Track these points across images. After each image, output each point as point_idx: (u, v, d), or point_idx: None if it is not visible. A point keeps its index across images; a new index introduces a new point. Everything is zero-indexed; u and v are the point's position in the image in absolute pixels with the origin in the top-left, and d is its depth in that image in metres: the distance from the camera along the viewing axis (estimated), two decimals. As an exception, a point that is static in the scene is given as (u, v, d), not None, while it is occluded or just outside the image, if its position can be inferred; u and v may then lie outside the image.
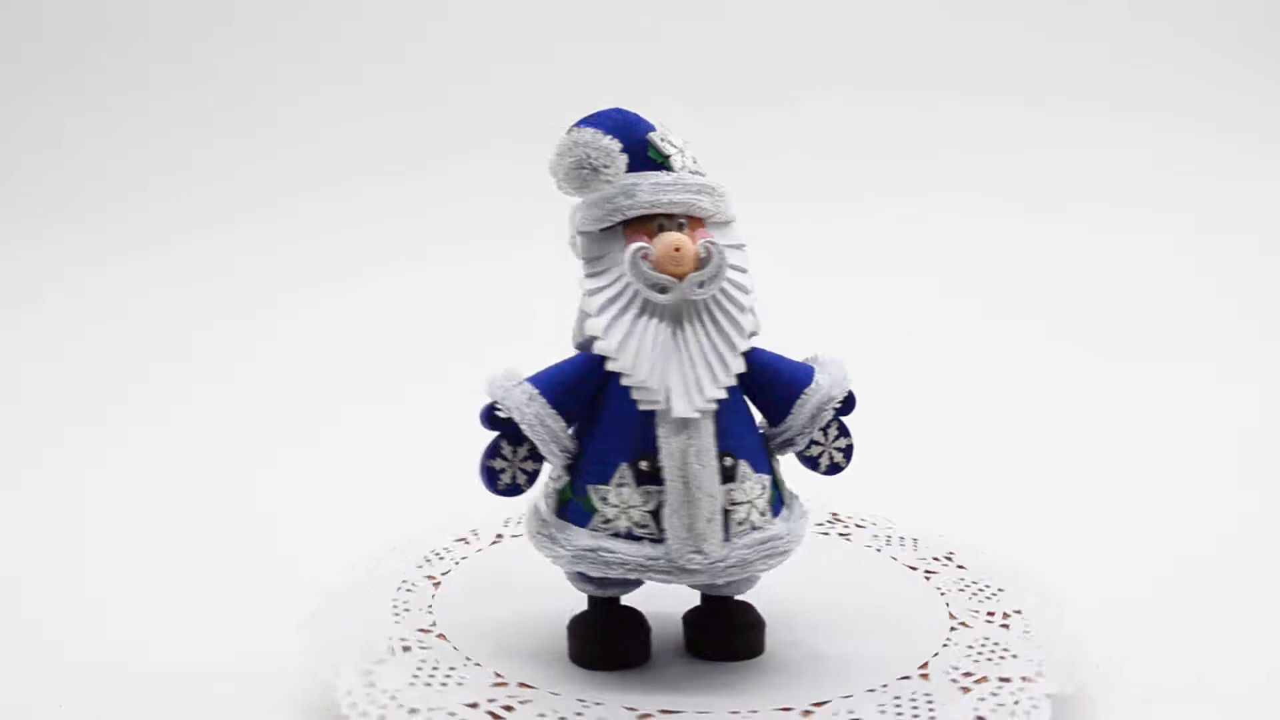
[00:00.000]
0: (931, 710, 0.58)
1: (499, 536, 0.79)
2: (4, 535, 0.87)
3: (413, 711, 0.56)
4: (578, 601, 0.65)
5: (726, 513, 0.59)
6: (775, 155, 1.52)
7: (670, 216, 0.60)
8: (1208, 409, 1.17)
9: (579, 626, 0.63)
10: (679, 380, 0.58)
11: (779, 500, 0.63)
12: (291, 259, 1.47)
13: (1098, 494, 0.97)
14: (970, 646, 0.65)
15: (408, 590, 0.70)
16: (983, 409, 1.18)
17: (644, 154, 0.61)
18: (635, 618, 0.64)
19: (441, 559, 0.75)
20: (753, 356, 0.61)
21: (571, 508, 0.61)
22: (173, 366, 1.27)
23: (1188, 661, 0.69)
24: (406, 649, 0.63)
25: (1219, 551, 0.86)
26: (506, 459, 0.60)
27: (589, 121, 0.61)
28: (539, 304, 1.34)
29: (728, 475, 0.59)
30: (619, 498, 0.59)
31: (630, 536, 0.59)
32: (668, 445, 0.58)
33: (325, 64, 1.60)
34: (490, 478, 0.60)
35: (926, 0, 1.62)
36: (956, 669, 0.62)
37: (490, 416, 0.60)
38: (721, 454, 0.59)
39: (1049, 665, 0.62)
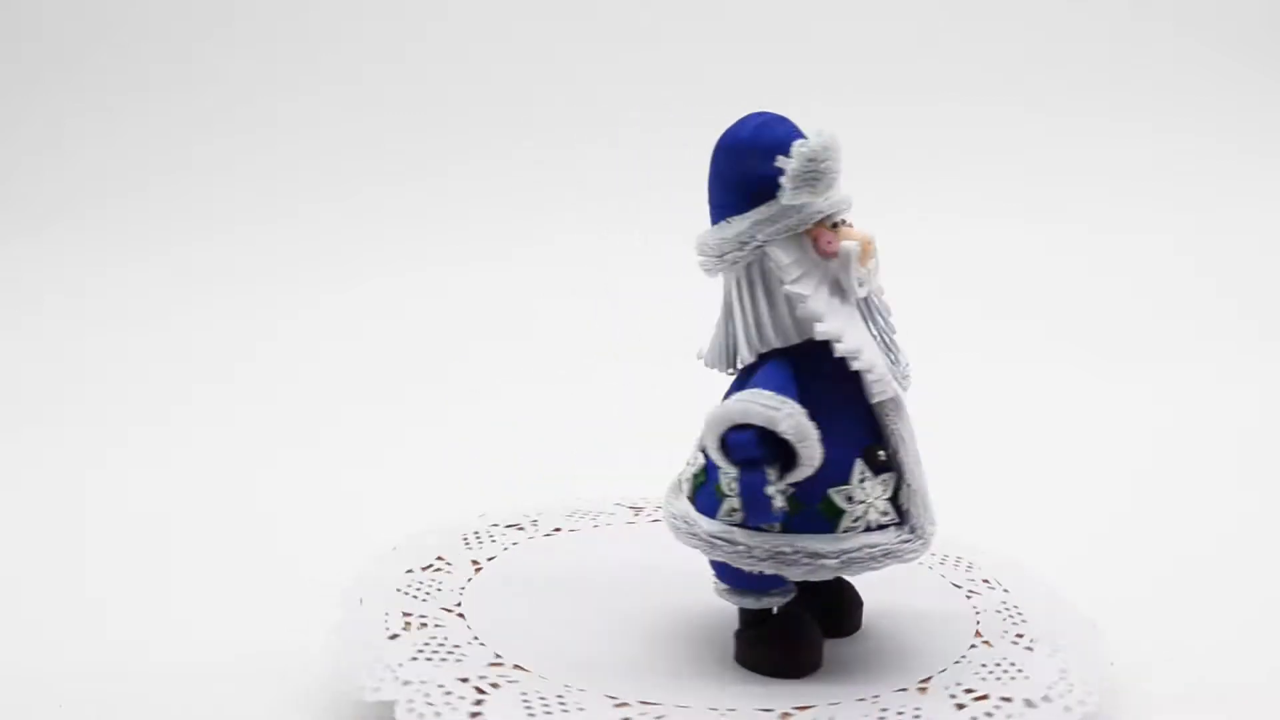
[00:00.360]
0: (914, 724, 0.57)
1: (556, 529, 0.81)
2: (4, 535, 0.86)
3: (405, 684, 0.58)
4: (612, 594, 0.68)
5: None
6: None
7: (835, 217, 0.60)
8: (1209, 408, 1.15)
9: (775, 634, 0.63)
10: (886, 365, 0.60)
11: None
12: (291, 259, 1.47)
13: (1099, 494, 0.96)
14: (984, 665, 0.63)
15: (447, 571, 0.72)
16: (983, 410, 1.16)
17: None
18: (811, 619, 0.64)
19: (494, 542, 0.77)
20: None
21: (805, 518, 0.59)
22: (173, 366, 1.26)
23: (1192, 665, 0.68)
24: (424, 625, 0.65)
25: (1222, 552, 0.85)
26: (771, 483, 0.58)
27: (785, 125, 0.60)
28: (539, 303, 1.37)
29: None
30: (864, 493, 0.60)
31: (879, 527, 0.60)
32: (901, 428, 0.60)
33: (325, 63, 1.60)
34: (768, 506, 0.58)
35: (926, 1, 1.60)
36: (959, 685, 0.61)
37: (760, 443, 0.57)
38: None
39: (1059, 690, 0.60)
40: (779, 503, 0.58)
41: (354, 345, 1.32)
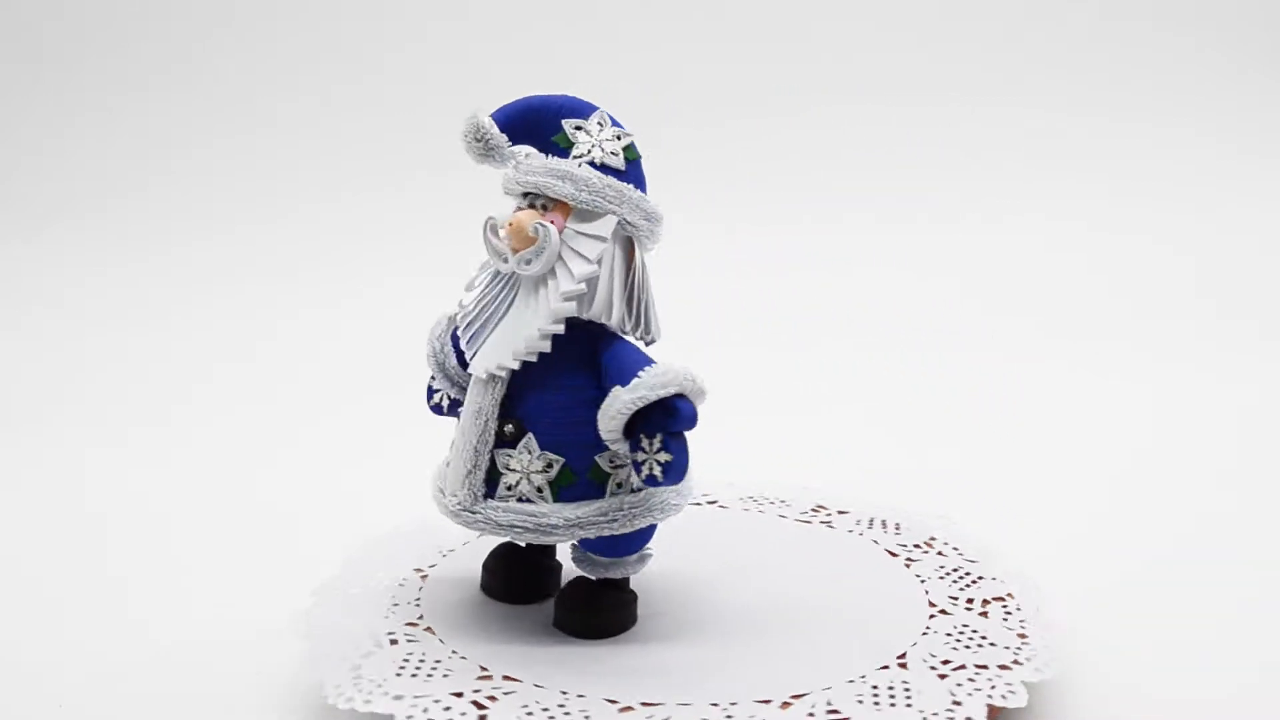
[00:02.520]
0: (909, 699, 0.59)
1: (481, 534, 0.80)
2: (3, 535, 0.87)
3: (398, 698, 0.58)
4: None
5: (495, 473, 0.64)
6: (774, 155, 1.54)
7: (536, 196, 0.64)
8: (1200, 406, 1.17)
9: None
10: (490, 344, 0.64)
11: (581, 488, 0.64)
12: (292, 258, 1.47)
13: (1085, 488, 0.98)
14: (949, 634, 0.66)
15: (399, 585, 0.71)
16: (975, 404, 1.18)
17: (548, 138, 0.65)
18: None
19: (434, 550, 0.76)
20: (609, 349, 0.64)
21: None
22: (173, 366, 1.27)
23: (1168, 653, 0.70)
24: (394, 642, 0.64)
25: (1204, 544, 0.87)
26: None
27: (539, 99, 0.66)
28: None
29: (504, 440, 0.64)
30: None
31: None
32: (466, 401, 0.65)
33: (326, 64, 1.61)
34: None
35: (926, 1, 1.62)
36: (935, 656, 0.63)
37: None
38: (504, 418, 0.64)
39: (1026, 652, 0.63)
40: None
41: (354, 344, 1.32)
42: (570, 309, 0.63)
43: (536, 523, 0.63)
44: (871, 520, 0.81)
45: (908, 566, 0.75)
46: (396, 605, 0.68)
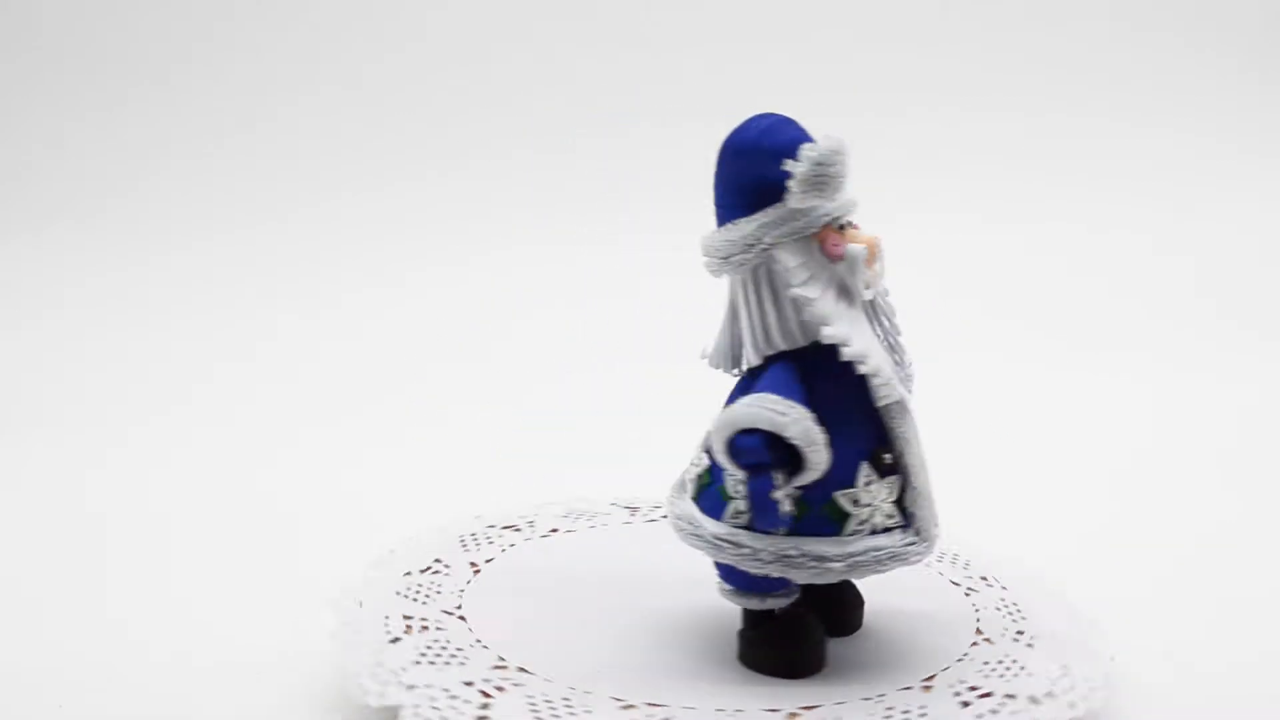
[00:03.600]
0: (920, 722, 0.57)
1: (553, 530, 0.81)
2: (3, 535, 0.86)
3: (410, 688, 0.58)
4: (612, 595, 0.69)
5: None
6: None
7: (842, 220, 0.60)
8: (1206, 406, 1.15)
9: (780, 634, 0.63)
10: (892, 370, 0.60)
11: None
12: (292, 258, 1.47)
13: (1097, 491, 0.97)
14: (986, 663, 0.63)
15: (445, 574, 0.72)
16: (982, 408, 1.16)
17: None
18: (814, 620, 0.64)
19: (491, 544, 0.77)
20: None
21: (811, 521, 0.59)
22: (173, 366, 1.26)
23: (1190, 659, 0.69)
24: (425, 629, 0.65)
25: (1219, 547, 0.85)
26: (779, 487, 0.58)
27: (793, 128, 0.60)
28: (541, 303, 1.37)
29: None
30: (870, 496, 0.60)
31: (884, 530, 0.60)
32: (907, 431, 0.60)
33: (328, 62, 1.60)
34: (775, 511, 0.58)
35: (925, 1, 1.60)
36: (963, 683, 0.61)
37: (768, 448, 0.57)
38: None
39: (1062, 686, 0.61)
40: (786, 507, 0.58)
41: (351, 346, 1.32)
42: None
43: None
44: (942, 554, 0.79)
45: (967, 596, 0.72)
46: (439, 593, 0.69)
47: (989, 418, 1.13)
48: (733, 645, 0.64)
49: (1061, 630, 0.68)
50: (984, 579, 0.75)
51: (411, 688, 0.58)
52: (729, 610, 0.65)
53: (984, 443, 1.06)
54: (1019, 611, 0.70)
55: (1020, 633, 0.67)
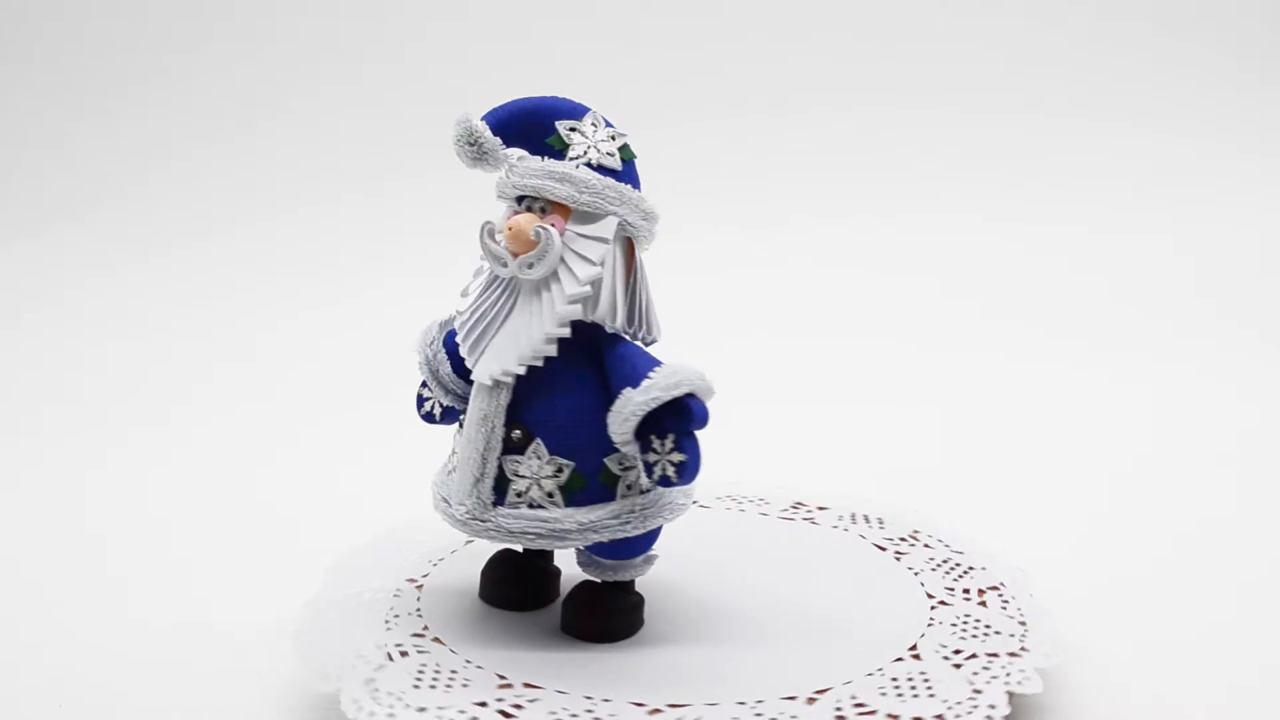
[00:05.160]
0: (930, 689, 0.59)
1: (469, 541, 0.79)
2: (3, 535, 0.87)
3: (421, 710, 0.57)
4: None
5: (504, 480, 0.63)
6: (775, 155, 1.55)
7: (534, 199, 0.63)
8: (1196, 407, 1.19)
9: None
10: (493, 350, 0.63)
11: (592, 491, 0.63)
12: (292, 259, 1.47)
13: (1080, 489, 0.99)
14: (954, 625, 0.66)
15: (394, 595, 0.70)
16: (969, 406, 1.20)
17: (542, 140, 0.64)
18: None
19: (422, 559, 0.75)
20: (614, 351, 0.63)
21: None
22: (173, 366, 1.27)
23: (1166, 650, 0.71)
24: (404, 654, 0.63)
25: (1202, 544, 0.88)
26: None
27: (523, 101, 0.65)
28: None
29: (512, 446, 0.63)
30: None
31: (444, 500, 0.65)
32: (470, 408, 0.64)
33: (327, 65, 1.60)
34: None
35: (925, 1, 1.64)
36: (945, 647, 0.64)
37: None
38: (511, 424, 0.63)
39: (1031, 639, 0.64)
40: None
41: (350, 346, 1.32)
42: (575, 312, 0.62)
43: (549, 528, 0.63)
44: (854, 515, 0.82)
45: (898, 559, 0.76)
46: (397, 616, 0.67)
47: (988, 417, 1.16)
48: (707, 637, 0.66)
49: (999, 582, 0.71)
50: (904, 539, 0.78)
51: (423, 710, 0.57)
52: (669, 602, 0.69)
53: (984, 443, 1.10)
54: (954, 567, 0.74)
55: (966, 590, 0.71)
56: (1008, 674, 0.61)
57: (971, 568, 0.74)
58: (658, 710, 0.58)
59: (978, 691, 0.59)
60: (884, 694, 0.59)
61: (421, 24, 1.61)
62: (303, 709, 0.63)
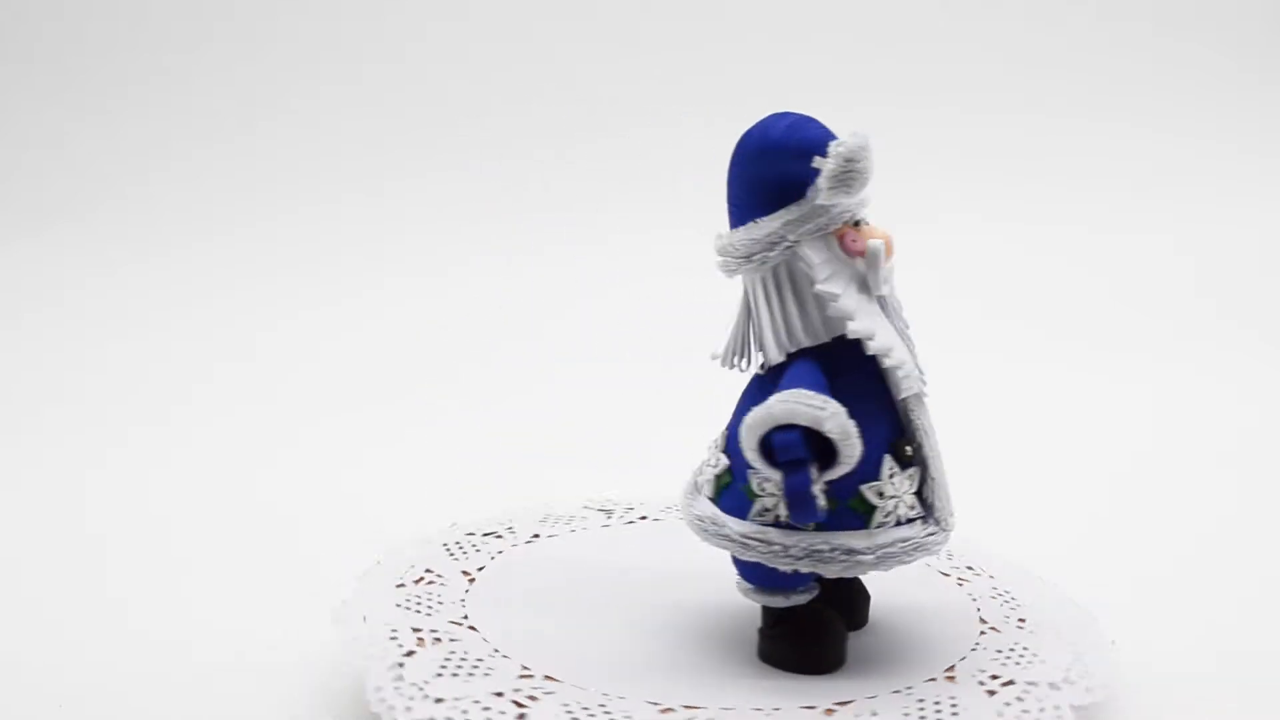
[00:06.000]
0: (955, 713, 0.57)
1: (535, 536, 0.80)
2: (3, 535, 0.86)
3: (439, 701, 0.57)
4: (614, 598, 0.68)
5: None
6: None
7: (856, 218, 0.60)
8: (1202, 405, 1.17)
9: (802, 630, 0.63)
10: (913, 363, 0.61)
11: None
12: (292, 259, 1.47)
13: (1082, 489, 0.98)
14: (999, 651, 0.64)
15: (440, 584, 0.71)
16: (968, 406, 1.16)
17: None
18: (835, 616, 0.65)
19: (478, 552, 0.76)
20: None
21: (839, 515, 0.59)
22: (173, 366, 1.26)
23: (1166, 650, 0.70)
24: (438, 640, 0.63)
25: (1202, 544, 0.87)
26: (815, 481, 0.57)
27: (816, 126, 0.60)
28: (541, 304, 1.36)
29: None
30: (894, 488, 0.60)
31: (908, 521, 0.60)
32: (925, 422, 0.61)
33: (327, 65, 1.60)
34: (813, 505, 0.57)
35: (925, 1, 1.63)
36: (983, 672, 0.62)
37: (805, 443, 0.57)
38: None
39: (1076, 672, 0.62)
40: (822, 501, 0.58)
41: (349, 347, 1.32)
42: None
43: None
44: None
45: (960, 586, 0.74)
46: (441, 603, 0.68)
47: (988, 418, 1.14)
48: (748, 642, 0.64)
49: (1058, 617, 0.69)
50: (970, 568, 0.76)
51: (440, 701, 0.57)
52: (738, 607, 0.65)
53: (983, 442, 1.07)
54: (1013, 599, 0.72)
55: (1021, 620, 0.69)
56: (1041, 708, 0.58)
57: (1032, 601, 0.71)
58: (670, 710, 0.57)
59: (1003, 720, 0.57)
60: (906, 714, 0.57)
61: (421, 24, 1.61)
62: (303, 709, 0.63)
